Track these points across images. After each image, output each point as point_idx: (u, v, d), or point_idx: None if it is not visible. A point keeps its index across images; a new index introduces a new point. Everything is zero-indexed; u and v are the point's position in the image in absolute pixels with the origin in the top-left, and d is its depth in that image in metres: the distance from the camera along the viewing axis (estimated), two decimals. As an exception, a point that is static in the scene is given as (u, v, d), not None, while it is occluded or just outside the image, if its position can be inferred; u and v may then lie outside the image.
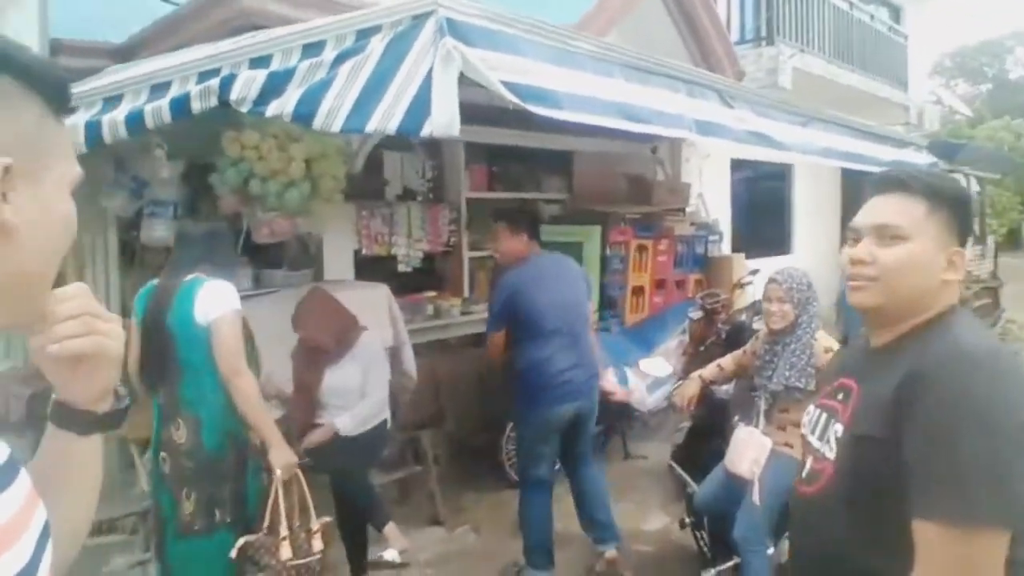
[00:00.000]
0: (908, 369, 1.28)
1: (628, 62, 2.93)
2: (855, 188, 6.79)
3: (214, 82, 2.55)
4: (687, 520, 3.91)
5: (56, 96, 0.78)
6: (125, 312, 4.31)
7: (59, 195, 0.79)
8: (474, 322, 5.81)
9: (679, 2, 6.45)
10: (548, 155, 6.49)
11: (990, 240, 12.89)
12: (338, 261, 5.11)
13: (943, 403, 1.21)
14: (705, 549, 3.79)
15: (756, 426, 3.42)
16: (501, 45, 2.34)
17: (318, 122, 2.35)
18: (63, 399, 0.91)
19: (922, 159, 5.73)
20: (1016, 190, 17.72)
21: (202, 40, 3.29)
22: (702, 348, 6.01)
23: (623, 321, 6.63)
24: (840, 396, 1.46)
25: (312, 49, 2.44)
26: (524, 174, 6.63)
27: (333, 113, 2.33)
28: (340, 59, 2.35)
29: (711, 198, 8.17)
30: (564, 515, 4.21)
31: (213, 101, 2.57)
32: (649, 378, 5.73)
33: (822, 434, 1.47)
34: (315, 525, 3.16)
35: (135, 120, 2.81)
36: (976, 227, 9.77)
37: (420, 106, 2.18)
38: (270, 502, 3.05)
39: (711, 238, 7.79)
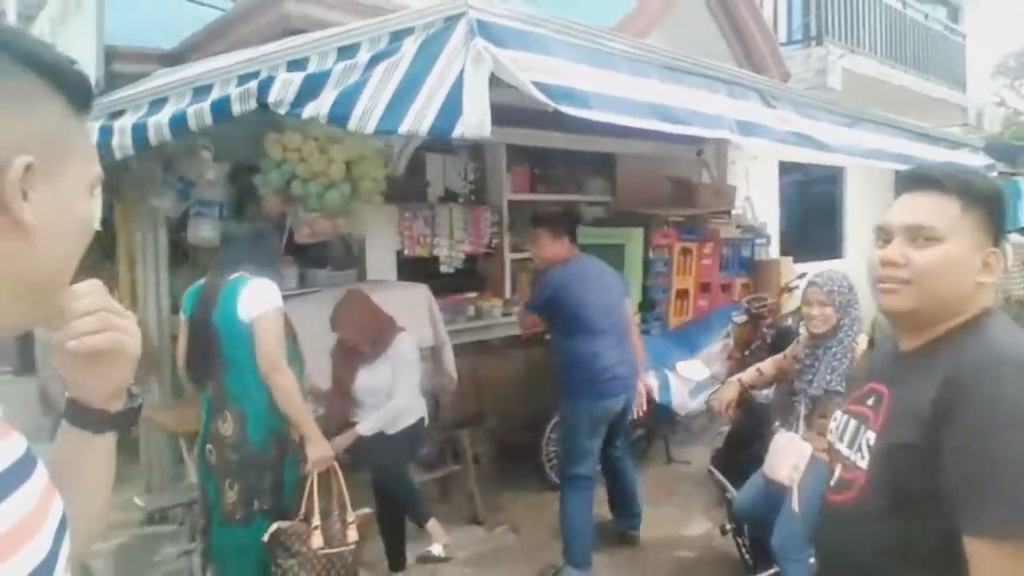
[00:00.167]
0: (945, 375, 1.23)
1: (664, 62, 2.91)
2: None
3: (253, 84, 2.61)
4: (728, 527, 3.85)
5: (78, 95, 0.78)
6: (175, 310, 4.45)
7: (78, 195, 0.78)
8: (515, 323, 5.81)
9: (722, 2, 6.37)
10: (590, 157, 6.46)
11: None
12: (381, 262, 5.17)
13: (985, 410, 1.16)
14: (747, 556, 3.73)
15: (796, 431, 3.35)
16: (532, 46, 2.34)
17: (353, 123, 2.39)
18: (77, 397, 0.91)
19: (978, 160, 5.55)
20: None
21: (247, 44, 3.36)
22: (747, 353, 5.91)
23: (666, 324, 6.56)
24: (871, 402, 1.41)
25: (347, 51, 2.48)
26: (566, 176, 6.62)
27: (367, 114, 2.36)
28: (374, 61, 2.39)
29: (759, 201, 8.03)
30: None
31: (252, 103, 2.63)
32: (691, 382, 5.67)
33: (852, 441, 1.42)
34: (350, 517, 3.23)
35: (179, 122, 2.89)
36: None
37: (452, 107, 2.20)
38: (305, 493, 3.15)
39: (758, 241, 7.64)
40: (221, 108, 2.74)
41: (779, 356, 3.66)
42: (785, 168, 8.98)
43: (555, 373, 4.09)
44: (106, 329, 0.85)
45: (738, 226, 7.40)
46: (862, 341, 3.23)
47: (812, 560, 3.20)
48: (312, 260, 4.97)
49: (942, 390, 1.22)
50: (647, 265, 6.39)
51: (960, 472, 1.17)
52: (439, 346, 4.86)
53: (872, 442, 1.35)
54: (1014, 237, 8.96)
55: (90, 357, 0.86)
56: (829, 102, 4.27)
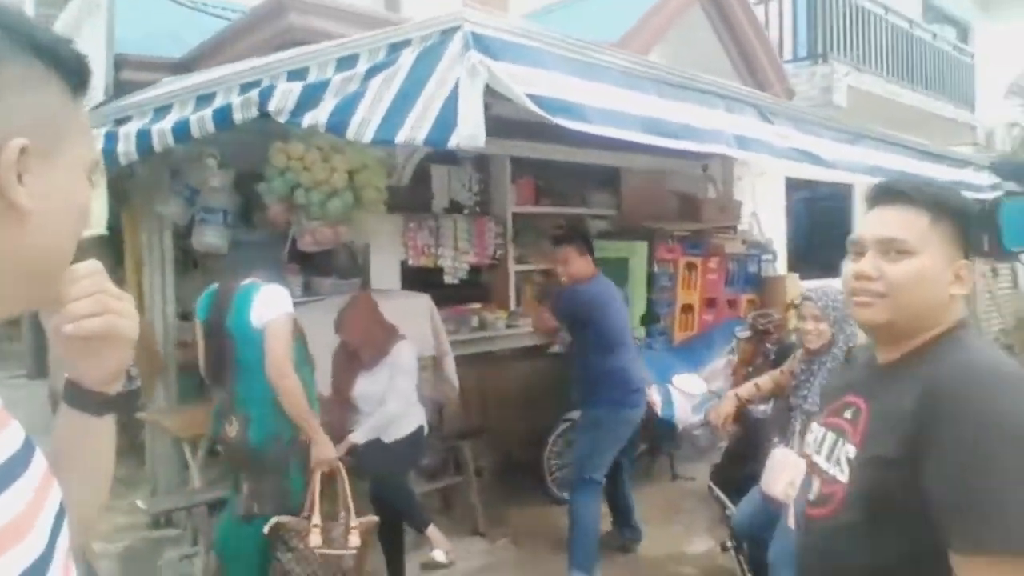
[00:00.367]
0: (924, 387, 1.23)
1: (662, 77, 2.93)
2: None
3: (254, 93, 2.65)
4: (729, 544, 3.83)
5: (75, 77, 0.76)
6: (182, 316, 4.50)
7: (74, 179, 0.76)
8: (519, 335, 5.84)
9: (725, 20, 6.39)
10: (595, 171, 6.47)
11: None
12: (385, 271, 5.19)
13: (970, 423, 1.15)
14: (748, 574, 3.71)
15: (792, 447, 3.34)
16: (527, 59, 2.37)
17: (350, 132, 2.44)
18: (75, 378, 0.90)
19: (983, 179, 5.54)
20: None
21: (252, 54, 3.42)
22: (750, 369, 5.89)
23: (671, 339, 6.55)
24: (848, 414, 1.41)
25: (346, 62, 2.53)
26: (571, 189, 6.62)
27: (365, 124, 2.40)
28: (372, 72, 2.43)
29: (765, 217, 8.02)
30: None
31: (253, 112, 2.68)
32: (695, 397, 5.66)
33: (830, 454, 1.42)
34: (354, 522, 3.28)
35: (182, 129, 2.94)
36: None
37: (447, 118, 2.24)
38: (309, 492, 3.23)
39: (765, 257, 7.63)
40: (223, 116, 2.80)
41: (776, 371, 3.66)
42: (793, 185, 8.96)
43: (576, 384, 4.28)
44: (103, 312, 0.84)
45: (744, 242, 7.39)
46: (858, 356, 3.22)
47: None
48: (317, 269, 5.01)
49: (922, 402, 1.21)
50: (651, 279, 6.39)
51: (946, 486, 1.15)
52: (440, 356, 4.88)
53: (852, 455, 1.34)
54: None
55: (87, 340, 0.85)
56: (828, 118, 4.27)
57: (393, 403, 3.86)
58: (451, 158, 5.59)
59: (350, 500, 3.31)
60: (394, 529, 3.88)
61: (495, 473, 5.40)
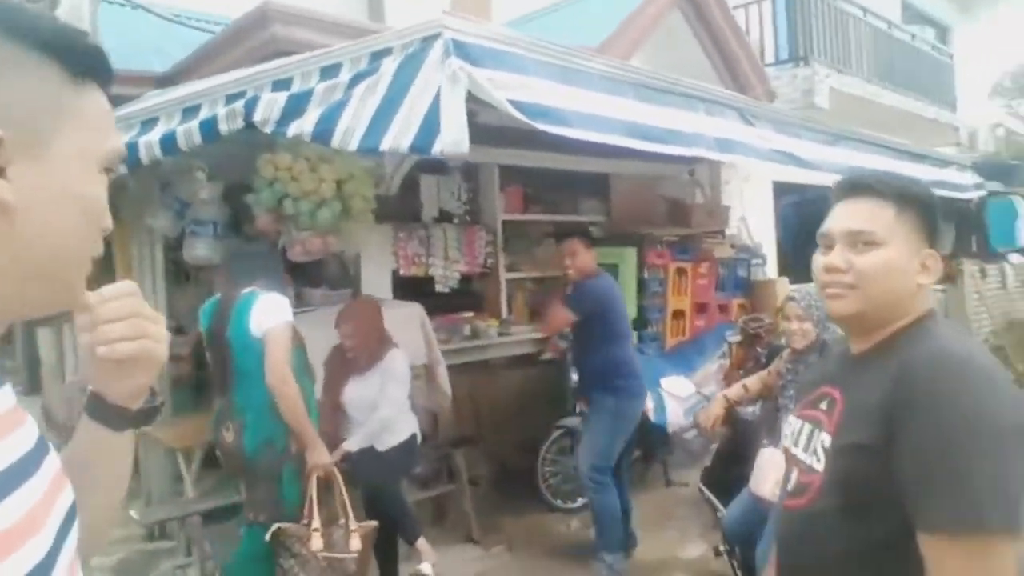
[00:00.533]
0: (895, 374, 1.26)
1: (642, 81, 2.97)
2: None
3: (239, 104, 2.68)
4: (721, 548, 3.84)
5: (77, 61, 0.71)
6: (175, 330, 4.52)
7: (75, 170, 0.71)
8: (512, 343, 5.85)
9: (706, 24, 6.45)
10: (584, 178, 6.50)
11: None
12: (376, 281, 5.20)
13: (938, 408, 1.18)
14: (740, 577, 3.71)
15: (779, 447, 3.36)
16: (508, 65, 2.41)
17: (336, 141, 2.46)
18: (99, 391, 0.89)
19: (966, 179, 5.59)
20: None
21: (237, 66, 3.45)
22: (742, 373, 5.91)
23: (663, 344, 6.57)
24: (824, 405, 1.43)
25: (329, 71, 2.56)
26: (560, 196, 6.65)
27: (350, 132, 2.43)
28: (355, 80, 2.46)
29: (754, 222, 8.06)
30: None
31: (239, 122, 2.71)
32: (686, 400, 5.68)
33: (807, 445, 1.44)
34: (354, 526, 3.31)
35: (169, 141, 2.97)
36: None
37: (430, 125, 2.26)
38: (307, 498, 3.25)
39: (754, 262, 7.67)
40: (209, 127, 2.82)
41: (764, 372, 3.67)
42: (781, 189, 9.01)
43: (585, 377, 4.42)
44: (139, 337, 0.82)
45: (733, 246, 7.43)
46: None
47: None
48: (308, 279, 5.02)
49: (894, 389, 1.24)
50: (642, 285, 6.42)
51: (915, 469, 1.18)
52: (433, 364, 4.89)
53: (827, 444, 1.37)
54: (1014, 257, 8.94)
55: (119, 361, 0.83)
56: (809, 120, 4.32)
57: (386, 409, 3.87)
58: (440, 167, 5.62)
59: (348, 504, 3.34)
60: (388, 539, 3.88)
61: (489, 481, 5.40)
